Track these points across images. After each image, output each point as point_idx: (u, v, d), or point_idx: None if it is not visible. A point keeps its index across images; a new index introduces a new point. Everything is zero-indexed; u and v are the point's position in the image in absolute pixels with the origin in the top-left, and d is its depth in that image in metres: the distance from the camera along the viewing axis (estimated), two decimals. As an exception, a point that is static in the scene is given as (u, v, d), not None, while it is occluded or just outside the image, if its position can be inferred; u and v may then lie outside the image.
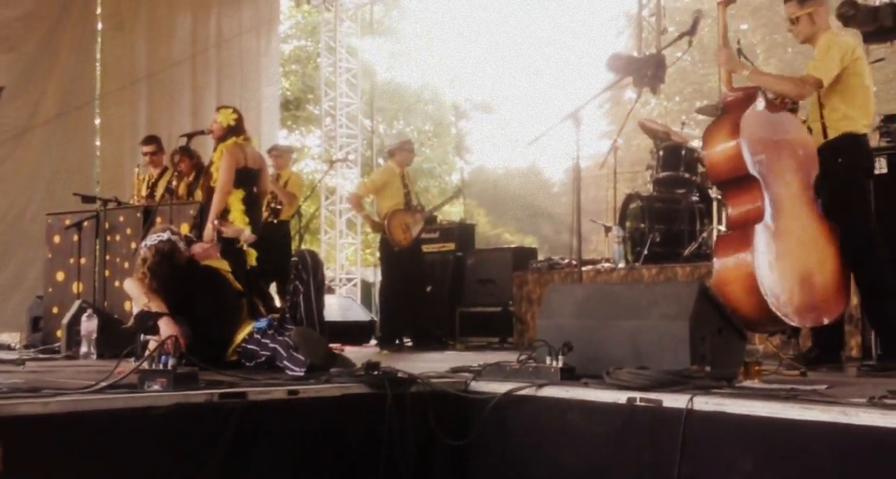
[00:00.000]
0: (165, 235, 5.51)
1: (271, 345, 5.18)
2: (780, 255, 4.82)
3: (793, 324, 4.85)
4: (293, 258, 5.72)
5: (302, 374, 4.77)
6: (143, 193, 9.06)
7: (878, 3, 7.68)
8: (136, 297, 5.46)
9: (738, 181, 4.96)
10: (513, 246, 12.87)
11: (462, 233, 10.85)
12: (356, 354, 6.80)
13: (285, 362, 4.99)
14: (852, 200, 5.13)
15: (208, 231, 6.83)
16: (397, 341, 8.96)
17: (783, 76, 5.14)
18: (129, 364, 4.29)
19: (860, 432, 3.02)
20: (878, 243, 5.10)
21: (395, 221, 8.83)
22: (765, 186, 4.88)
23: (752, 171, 4.88)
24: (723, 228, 7.75)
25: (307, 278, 5.55)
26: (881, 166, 5.89)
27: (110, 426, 3.48)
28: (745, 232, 4.86)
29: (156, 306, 5.29)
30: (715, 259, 5.02)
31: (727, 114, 5.10)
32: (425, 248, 9.71)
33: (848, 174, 5.12)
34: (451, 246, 10.52)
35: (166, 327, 5.15)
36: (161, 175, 9.01)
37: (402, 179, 8.97)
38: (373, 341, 9.99)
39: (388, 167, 9.37)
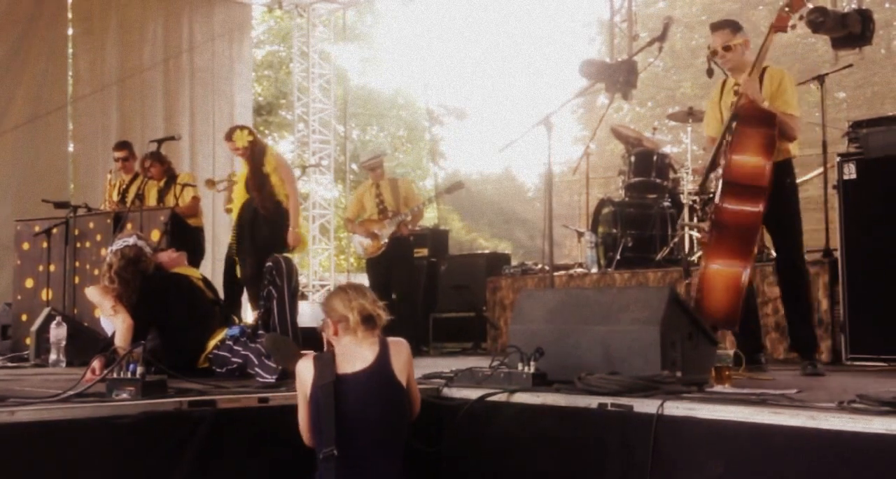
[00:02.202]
0: (131, 240, 5.47)
1: (243, 352, 5.16)
2: None
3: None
4: (267, 264, 5.69)
5: (273, 381, 4.75)
6: (115, 198, 8.98)
7: (846, 10, 7.75)
8: (99, 303, 5.41)
9: (753, 189, 5.14)
10: (486, 252, 12.87)
11: (436, 239, 10.83)
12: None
13: (256, 370, 4.96)
14: (797, 216, 5.50)
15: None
16: None
17: (788, 115, 5.38)
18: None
19: (829, 436, 3.04)
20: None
21: (359, 231, 8.87)
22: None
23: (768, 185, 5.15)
24: (692, 221, 7.87)
25: (281, 283, 5.52)
26: (850, 172, 5.96)
27: (78, 436, 3.45)
28: (747, 233, 5.12)
29: (121, 312, 5.24)
30: (708, 254, 5.19)
31: (757, 126, 5.19)
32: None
33: (794, 193, 5.54)
34: (424, 252, 10.50)
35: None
36: (132, 181, 8.94)
37: (376, 189, 8.94)
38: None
39: (363, 183, 9.50)
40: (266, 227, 7.47)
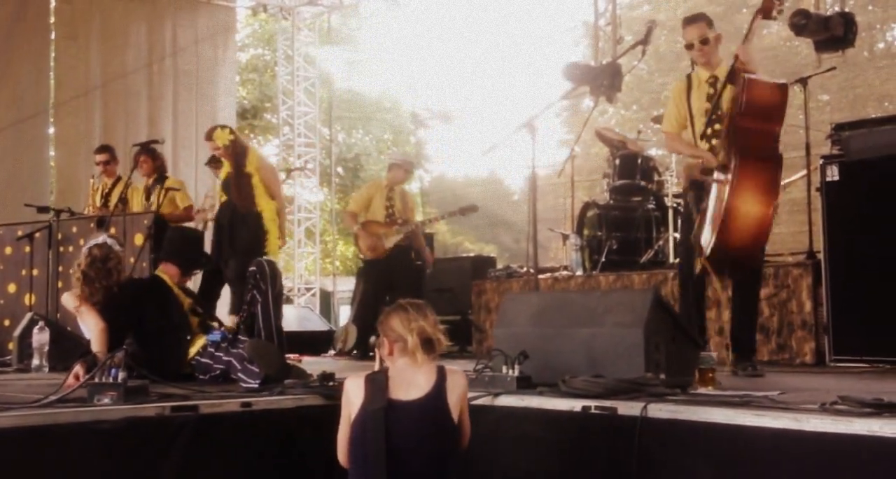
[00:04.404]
0: (101, 239, 5.45)
1: (225, 358, 5.12)
2: None
3: None
4: (251, 268, 5.66)
5: (256, 386, 4.73)
6: (98, 203, 8.93)
7: (829, 13, 7.78)
8: (73, 308, 5.36)
9: (772, 112, 5.19)
10: (472, 255, 12.88)
11: (421, 242, 10.80)
12: (314, 364, 6.76)
13: (239, 375, 4.94)
14: None
15: None
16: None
17: None
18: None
19: (812, 438, 3.04)
20: None
21: (365, 231, 8.80)
22: None
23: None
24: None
25: (265, 287, 5.50)
26: (833, 174, 5.98)
27: (59, 441, 3.43)
28: (775, 171, 5.18)
29: (87, 313, 5.19)
30: (738, 181, 5.08)
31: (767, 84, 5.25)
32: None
33: None
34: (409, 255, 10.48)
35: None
36: (115, 185, 8.89)
37: (388, 192, 8.89)
38: (331, 352, 9.92)
39: (376, 181, 9.45)
40: (244, 229, 7.29)
